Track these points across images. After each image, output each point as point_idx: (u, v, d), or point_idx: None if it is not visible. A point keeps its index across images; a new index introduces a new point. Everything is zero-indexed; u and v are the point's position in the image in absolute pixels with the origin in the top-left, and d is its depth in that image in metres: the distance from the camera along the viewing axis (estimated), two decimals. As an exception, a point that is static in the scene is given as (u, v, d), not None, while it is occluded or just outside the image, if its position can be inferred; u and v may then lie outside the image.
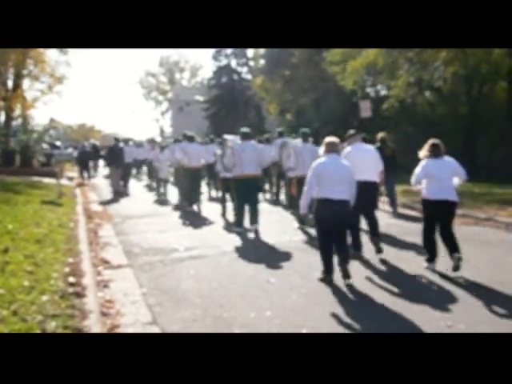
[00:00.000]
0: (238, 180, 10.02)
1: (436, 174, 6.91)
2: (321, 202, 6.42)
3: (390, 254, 8.00)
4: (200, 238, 9.42)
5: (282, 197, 14.38)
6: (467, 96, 21.93)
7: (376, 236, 7.94)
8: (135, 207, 14.15)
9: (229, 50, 48.05)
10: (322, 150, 6.79)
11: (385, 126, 23.81)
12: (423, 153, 7.13)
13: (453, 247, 6.96)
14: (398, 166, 12.00)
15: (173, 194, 16.44)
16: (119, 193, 17.37)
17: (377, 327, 4.96)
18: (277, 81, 33.48)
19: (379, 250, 7.80)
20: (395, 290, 6.19)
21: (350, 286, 6.34)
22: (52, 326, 4.48)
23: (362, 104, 20.15)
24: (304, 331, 4.85)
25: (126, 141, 23.49)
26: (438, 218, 7.08)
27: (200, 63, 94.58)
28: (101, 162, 28.82)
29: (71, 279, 5.99)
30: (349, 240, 7.38)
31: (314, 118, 28.50)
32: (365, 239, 8.16)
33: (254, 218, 10.02)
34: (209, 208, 13.81)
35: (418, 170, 7.12)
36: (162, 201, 15.92)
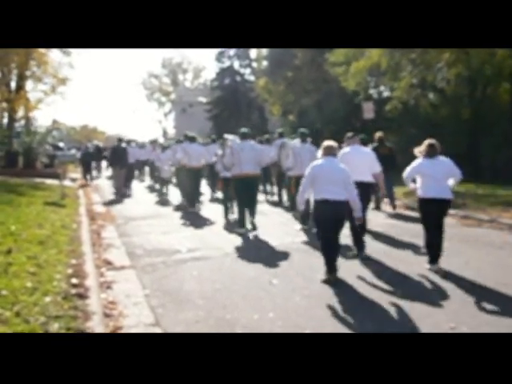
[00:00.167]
0: (237, 179, 10.18)
1: (431, 173, 7.03)
2: (318, 202, 6.60)
3: (392, 255, 8.00)
4: (202, 240, 9.42)
5: (285, 198, 14.37)
6: (470, 97, 21.90)
7: (361, 240, 8.07)
8: (138, 208, 14.15)
9: (232, 52, 48.06)
10: (320, 153, 6.97)
11: (388, 128, 23.82)
12: (418, 150, 7.31)
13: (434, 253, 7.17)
14: (397, 165, 12.07)
15: (174, 194, 16.56)
16: (123, 194, 17.41)
17: (379, 329, 4.95)
18: (279, 82, 33.46)
19: (363, 257, 7.92)
20: (398, 291, 6.17)
21: (353, 289, 6.33)
22: (55, 328, 4.48)
23: (364, 105, 20.13)
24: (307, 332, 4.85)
25: (129, 142, 23.53)
26: (432, 215, 7.17)
27: (203, 64, 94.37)
28: (104, 164, 28.88)
29: (74, 280, 5.99)
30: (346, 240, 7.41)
31: (317, 119, 28.48)
32: (367, 240, 8.16)
33: (251, 215, 10.23)
34: (210, 208, 13.90)
35: (411, 166, 7.32)
36: (164, 201, 15.98)
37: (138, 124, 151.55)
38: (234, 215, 11.35)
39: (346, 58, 21.45)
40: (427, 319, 5.21)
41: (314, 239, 7.30)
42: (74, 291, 5.59)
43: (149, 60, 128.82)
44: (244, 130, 10.56)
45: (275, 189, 15.71)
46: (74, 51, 27.27)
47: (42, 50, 25.71)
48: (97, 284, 6.14)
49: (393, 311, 5.49)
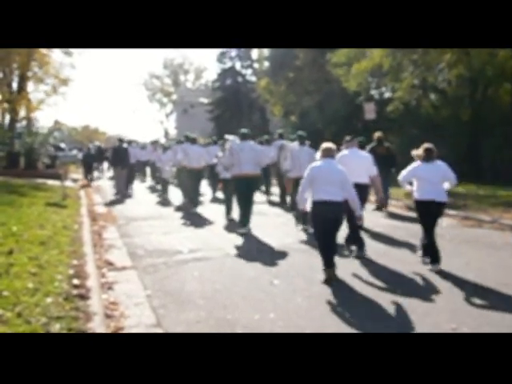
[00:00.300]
0: (236, 179, 10.30)
1: (427, 177, 7.24)
2: (315, 203, 6.74)
3: (392, 255, 8.02)
4: (203, 240, 9.43)
5: (288, 198, 14.38)
6: (471, 98, 21.90)
7: (354, 238, 8.24)
8: (139, 209, 14.16)
9: (233, 53, 48.03)
10: (318, 154, 7.21)
11: (389, 128, 23.83)
12: (416, 152, 7.51)
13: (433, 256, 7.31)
14: (395, 164, 12.15)
15: (175, 195, 16.65)
16: (124, 194, 17.45)
17: (380, 329, 4.95)
18: (281, 83, 33.47)
19: (349, 250, 8.19)
20: (399, 292, 6.18)
21: (354, 290, 6.34)
22: (56, 328, 4.48)
23: (366, 106, 20.14)
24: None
25: (130, 142, 23.58)
26: (428, 217, 7.35)
27: (204, 65, 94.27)
28: (105, 164, 28.94)
29: (75, 281, 5.99)
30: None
31: (318, 119, 28.49)
32: (367, 240, 8.17)
33: (246, 220, 10.31)
34: (211, 209, 13.95)
35: (407, 169, 7.54)
36: (164, 202, 16.03)
37: (140, 125, 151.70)
38: (235, 215, 11.38)
39: (347, 58, 21.48)
40: (428, 319, 5.22)
41: (314, 240, 7.31)
42: (75, 292, 5.59)
43: (150, 61, 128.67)
44: (244, 130, 10.68)
45: (273, 189, 15.85)
46: (76, 52, 27.35)
47: (44, 51, 25.75)
48: (98, 285, 6.15)
49: (393, 311, 5.50)
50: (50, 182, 19.61)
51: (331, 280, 6.59)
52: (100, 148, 28.62)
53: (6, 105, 26.76)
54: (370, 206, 12.81)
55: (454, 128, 21.90)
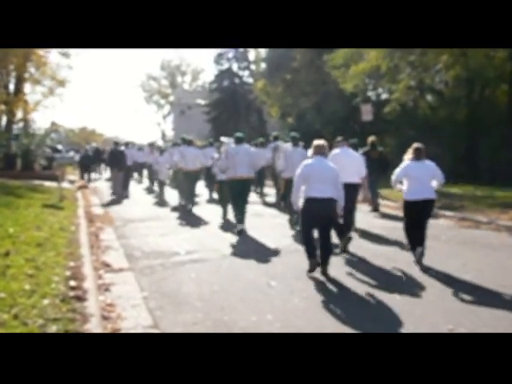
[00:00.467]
0: (231, 181, 10.50)
1: (416, 175, 7.48)
2: (307, 200, 6.91)
3: (390, 256, 8.01)
4: (200, 242, 9.43)
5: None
6: (468, 99, 21.94)
7: (345, 235, 8.33)
8: (136, 210, 14.17)
9: (230, 54, 48.07)
10: (310, 152, 7.46)
11: (386, 130, 23.89)
12: (407, 156, 7.74)
13: (420, 243, 7.52)
14: (387, 168, 12.28)
15: (171, 196, 16.73)
16: (121, 195, 17.48)
17: (377, 331, 4.94)
18: (278, 84, 33.52)
19: (345, 250, 8.28)
20: (396, 293, 6.17)
21: (352, 291, 6.34)
22: (53, 330, 4.46)
23: (363, 107, 20.15)
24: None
25: (127, 144, 23.64)
26: (416, 215, 7.57)
27: (201, 67, 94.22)
28: (103, 166, 28.94)
29: (72, 283, 5.97)
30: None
31: (315, 121, 28.53)
32: (364, 242, 8.17)
33: (241, 218, 10.47)
34: (208, 210, 14.02)
35: (398, 169, 7.71)
36: (161, 203, 16.11)
37: (137, 126, 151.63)
38: (231, 216, 11.44)
39: (344, 60, 21.51)
40: (425, 320, 5.22)
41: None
42: (72, 293, 5.57)
43: (147, 62, 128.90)
44: (239, 134, 10.92)
45: (267, 190, 16.20)
46: (73, 53, 27.22)
47: (41, 52, 25.70)
48: (95, 286, 6.13)
49: (390, 312, 5.49)
50: (47, 183, 19.60)
51: (314, 270, 6.91)
52: (98, 149, 28.59)
53: (2, 106, 26.68)
54: (365, 208, 12.87)
55: (451, 129, 21.94)
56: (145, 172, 23.64)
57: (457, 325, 5.05)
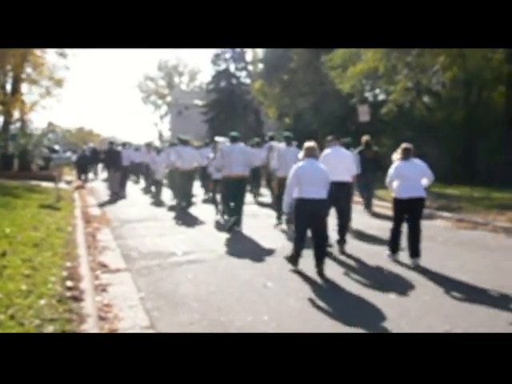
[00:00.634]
0: (226, 180, 10.68)
1: (407, 174, 7.66)
2: (300, 200, 7.12)
3: (386, 257, 8.01)
4: (197, 242, 9.44)
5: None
6: (466, 101, 21.96)
7: (342, 237, 8.62)
8: (133, 210, 14.17)
9: (227, 55, 48.04)
10: (301, 154, 7.64)
11: (383, 131, 23.89)
12: (396, 156, 7.94)
13: (415, 250, 7.62)
14: (381, 168, 12.31)
15: (168, 195, 16.91)
16: (118, 196, 17.51)
17: (373, 331, 4.95)
18: (275, 85, 33.50)
19: (342, 251, 8.46)
20: (391, 293, 6.19)
21: (348, 291, 6.35)
22: (49, 331, 4.46)
23: (360, 108, 20.16)
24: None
25: (124, 144, 23.64)
26: (408, 215, 7.75)
27: (199, 67, 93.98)
28: (100, 166, 28.92)
29: (69, 283, 5.96)
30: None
31: (313, 121, 28.50)
32: (361, 242, 8.18)
33: (238, 220, 10.59)
34: (204, 210, 14.11)
35: (391, 171, 7.89)
36: (158, 203, 16.17)
37: (134, 126, 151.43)
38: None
39: (342, 61, 21.52)
40: (421, 321, 5.22)
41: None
42: (68, 294, 5.57)
43: (145, 63, 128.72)
44: (233, 133, 11.09)
45: (262, 190, 16.79)
46: (70, 53, 27.17)
47: (38, 52, 25.66)
48: (92, 287, 6.13)
49: (386, 313, 5.49)
50: (44, 183, 19.55)
51: (295, 264, 7.31)
52: (95, 150, 28.56)
53: (0, 107, 26.65)
54: (359, 208, 12.91)
55: (449, 130, 21.95)
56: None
57: (453, 325, 5.06)
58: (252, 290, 6.42)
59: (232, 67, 48.68)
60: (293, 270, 7.24)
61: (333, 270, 7.19)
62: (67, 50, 26.75)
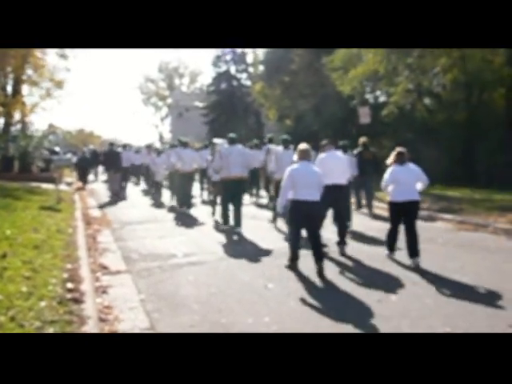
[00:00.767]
0: (225, 181, 10.74)
1: (402, 178, 7.77)
2: (295, 202, 7.22)
3: (386, 258, 8.01)
4: (198, 244, 9.43)
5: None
6: (466, 103, 21.95)
7: (342, 239, 8.67)
8: (133, 212, 14.18)
9: (228, 56, 48.12)
10: (295, 157, 7.75)
11: (383, 132, 23.86)
12: (390, 160, 8.05)
13: (414, 250, 7.70)
14: (379, 169, 12.33)
15: (167, 197, 16.95)
16: (118, 197, 17.54)
17: (374, 332, 4.95)
18: (276, 87, 33.51)
19: (343, 253, 8.52)
20: (393, 295, 6.19)
21: (348, 293, 6.34)
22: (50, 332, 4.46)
23: (361, 110, 20.17)
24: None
25: (124, 146, 23.67)
26: (404, 217, 7.86)
27: (199, 69, 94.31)
28: (100, 168, 28.90)
29: (69, 285, 5.96)
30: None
31: (313, 123, 28.49)
32: (359, 243, 8.17)
33: (238, 221, 10.68)
34: (203, 212, 14.14)
35: (386, 175, 7.98)
36: (158, 205, 16.22)
37: (135, 128, 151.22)
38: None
39: (343, 62, 21.54)
40: (422, 322, 5.22)
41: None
42: (69, 296, 5.57)
43: (145, 64, 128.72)
44: (231, 135, 11.12)
45: (262, 192, 16.92)
46: (71, 55, 27.20)
47: (39, 54, 25.68)
48: (92, 289, 6.13)
49: (387, 315, 5.48)
50: (45, 185, 19.54)
51: (294, 266, 7.41)
52: (95, 151, 28.56)
53: (0, 108, 26.65)
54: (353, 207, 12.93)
55: (449, 132, 21.93)
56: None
57: (454, 327, 5.05)
58: (252, 291, 6.42)
59: (233, 69, 48.78)
60: (293, 272, 7.24)
61: (333, 272, 7.20)
62: (68, 52, 26.80)
